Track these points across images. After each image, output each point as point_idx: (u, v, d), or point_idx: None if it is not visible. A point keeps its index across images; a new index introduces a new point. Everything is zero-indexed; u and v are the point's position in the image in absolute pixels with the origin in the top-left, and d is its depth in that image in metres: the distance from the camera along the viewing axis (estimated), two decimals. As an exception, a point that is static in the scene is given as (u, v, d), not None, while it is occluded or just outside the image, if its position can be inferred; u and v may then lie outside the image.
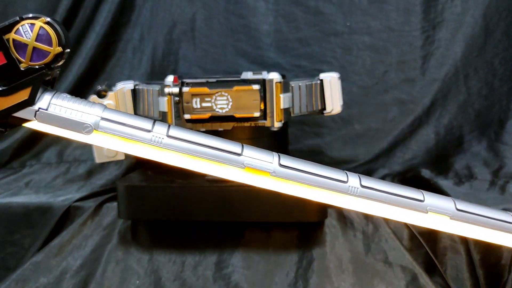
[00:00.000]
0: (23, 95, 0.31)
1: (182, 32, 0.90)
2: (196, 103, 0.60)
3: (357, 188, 0.36)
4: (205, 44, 0.89)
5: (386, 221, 0.68)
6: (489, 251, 0.67)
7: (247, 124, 0.63)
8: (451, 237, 0.69)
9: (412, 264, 0.63)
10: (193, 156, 0.33)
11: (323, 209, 0.64)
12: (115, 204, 0.69)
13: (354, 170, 0.86)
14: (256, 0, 0.89)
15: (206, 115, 0.60)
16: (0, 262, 0.73)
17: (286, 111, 0.64)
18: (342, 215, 0.70)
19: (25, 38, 0.31)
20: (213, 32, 0.89)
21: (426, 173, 0.83)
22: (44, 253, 0.68)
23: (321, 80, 0.68)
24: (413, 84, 0.88)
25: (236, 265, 0.65)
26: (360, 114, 0.88)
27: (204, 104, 0.60)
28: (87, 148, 0.87)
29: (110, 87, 0.69)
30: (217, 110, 0.60)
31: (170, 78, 0.62)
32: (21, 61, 0.31)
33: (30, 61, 0.31)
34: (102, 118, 0.33)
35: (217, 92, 0.60)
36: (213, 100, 0.60)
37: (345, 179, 0.37)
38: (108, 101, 0.68)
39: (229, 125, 0.63)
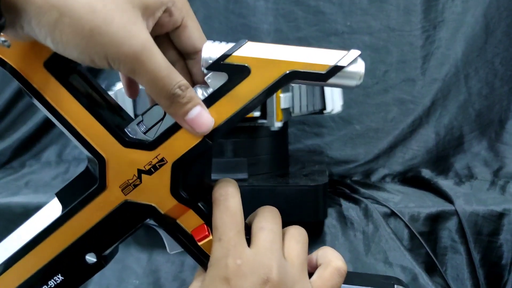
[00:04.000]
0: None
1: (182, 31, 0.90)
2: (196, 102, 0.60)
3: None
4: (205, 43, 0.89)
5: (387, 221, 0.68)
6: (490, 251, 0.67)
7: (247, 124, 0.63)
8: (452, 237, 0.69)
9: (412, 264, 0.63)
10: None
11: (323, 209, 0.64)
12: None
13: (354, 170, 0.86)
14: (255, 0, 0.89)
15: (206, 115, 0.60)
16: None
17: (286, 111, 0.64)
18: (342, 215, 0.69)
19: None
20: (213, 31, 0.88)
21: (426, 173, 0.82)
22: (43, 253, 0.68)
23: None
24: (414, 84, 0.88)
25: (235, 265, 0.65)
26: (360, 114, 0.88)
27: (204, 104, 0.60)
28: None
29: (109, 87, 0.69)
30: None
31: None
32: None
33: None
34: None
35: (217, 92, 0.60)
36: (213, 100, 0.60)
37: None
38: (107, 100, 0.68)
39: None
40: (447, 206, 0.70)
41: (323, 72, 0.27)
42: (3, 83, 0.95)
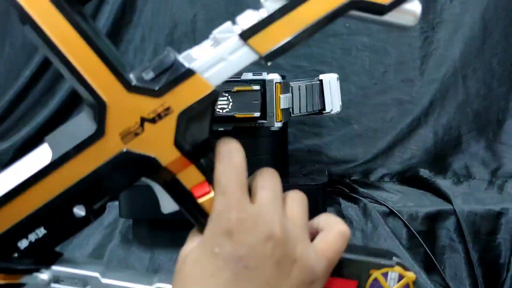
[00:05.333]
0: None
1: (183, 33, 0.90)
2: (196, 103, 0.60)
3: None
4: (206, 45, 0.89)
5: (385, 220, 0.69)
6: (488, 250, 0.68)
7: (247, 124, 0.63)
8: (450, 236, 0.69)
9: (411, 263, 0.63)
10: None
11: (322, 208, 0.65)
12: (116, 203, 0.69)
13: (353, 169, 0.86)
14: (257, 1, 0.89)
15: (207, 115, 0.61)
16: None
17: (286, 111, 0.65)
18: (342, 214, 0.70)
19: (387, 285, 0.29)
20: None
21: (424, 172, 0.83)
22: (46, 252, 0.68)
23: (321, 81, 0.68)
24: (412, 84, 0.88)
25: (236, 264, 0.66)
26: (359, 114, 0.88)
27: (204, 105, 0.60)
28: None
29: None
30: (217, 110, 0.61)
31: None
32: None
33: None
34: None
35: (217, 93, 0.60)
36: (213, 101, 0.61)
37: None
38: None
39: (229, 126, 0.63)
40: (445, 206, 0.70)
41: (386, 4, 0.27)
42: (5, 84, 0.95)
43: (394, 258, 0.30)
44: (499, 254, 0.68)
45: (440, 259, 0.68)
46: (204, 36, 0.29)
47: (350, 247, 0.30)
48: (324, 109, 0.69)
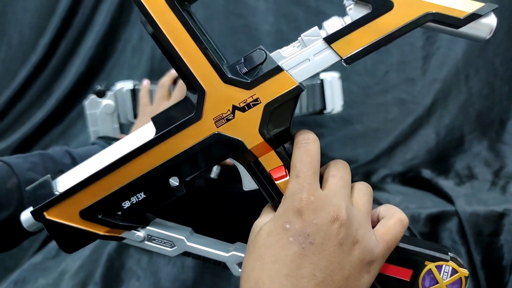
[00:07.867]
0: None
1: (181, 32, 0.90)
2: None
3: None
4: (205, 44, 0.88)
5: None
6: (490, 252, 0.67)
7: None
8: (452, 237, 0.68)
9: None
10: None
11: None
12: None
13: (355, 170, 0.85)
14: (256, 0, 0.89)
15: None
16: (-2, 263, 0.73)
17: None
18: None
19: (440, 277, 0.31)
20: (213, 31, 0.88)
21: (426, 173, 0.82)
22: (43, 254, 0.67)
23: (322, 80, 0.68)
24: (414, 84, 0.87)
25: (236, 266, 0.65)
26: (361, 114, 0.87)
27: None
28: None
29: (109, 87, 0.69)
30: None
31: (169, 78, 0.62)
32: None
33: None
34: None
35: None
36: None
37: None
38: (107, 101, 0.67)
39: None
40: (447, 207, 0.70)
41: (461, 17, 0.29)
42: (2, 84, 0.94)
43: (449, 253, 0.32)
44: (501, 256, 0.67)
45: (443, 261, 0.68)
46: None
47: (409, 239, 0.32)
48: (325, 108, 0.69)
